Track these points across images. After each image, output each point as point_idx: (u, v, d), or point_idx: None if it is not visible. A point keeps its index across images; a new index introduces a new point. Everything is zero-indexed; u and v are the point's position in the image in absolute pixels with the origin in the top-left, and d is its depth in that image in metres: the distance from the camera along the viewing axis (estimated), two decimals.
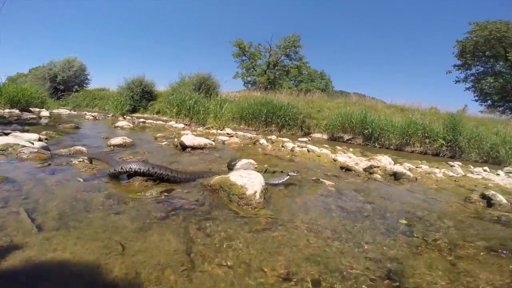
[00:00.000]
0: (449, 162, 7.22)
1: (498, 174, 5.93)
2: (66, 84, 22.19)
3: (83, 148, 3.32)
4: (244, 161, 2.80)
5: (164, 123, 9.31)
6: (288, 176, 2.44)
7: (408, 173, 3.41)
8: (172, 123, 8.79)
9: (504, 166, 9.85)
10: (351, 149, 7.19)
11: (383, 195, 2.56)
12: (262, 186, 1.82)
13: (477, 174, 4.61)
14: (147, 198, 1.78)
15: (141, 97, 17.74)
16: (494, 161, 10.24)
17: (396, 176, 3.32)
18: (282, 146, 5.14)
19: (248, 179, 1.78)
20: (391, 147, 11.56)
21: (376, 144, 11.68)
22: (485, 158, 10.60)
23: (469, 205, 2.56)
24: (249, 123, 13.89)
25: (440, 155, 11.05)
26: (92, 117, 9.68)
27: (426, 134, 11.16)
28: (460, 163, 7.25)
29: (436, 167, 5.14)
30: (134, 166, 1.99)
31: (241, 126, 14.05)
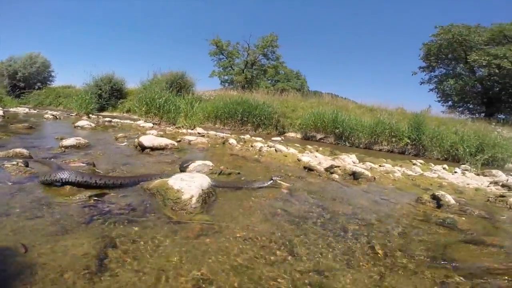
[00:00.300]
0: (412, 160, 7.58)
1: (456, 172, 6.22)
2: (27, 81, 20.67)
3: (24, 151, 3.04)
4: (198, 162, 2.71)
5: (132, 122, 8.92)
6: (272, 181, 2.56)
7: (367, 172, 3.47)
8: (141, 122, 8.44)
9: (462, 164, 10.57)
10: (321, 148, 7.32)
11: (336, 197, 2.56)
12: (202, 190, 1.75)
13: (434, 173, 4.80)
14: (74, 202, 1.66)
15: (110, 95, 16.93)
16: (454, 159, 10.91)
17: (355, 175, 3.36)
18: (251, 146, 5.09)
19: (186, 183, 1.70)
20: (361, 145, 11.95)
21: (347, 143, 12.03)
22: (445, 156, 11.28)
23: (420, 206, 2.57)
24: (225, 122, 13.75)
25: (406, 153, 11.59)
26: (52, 116, 9.05)
27: (392, 133, 11.66)
28: (422, 161, 7.61)
29: (400, 165, 5.30)
30: (64, 176, 1.83)
31: (217, 125, 13.87)
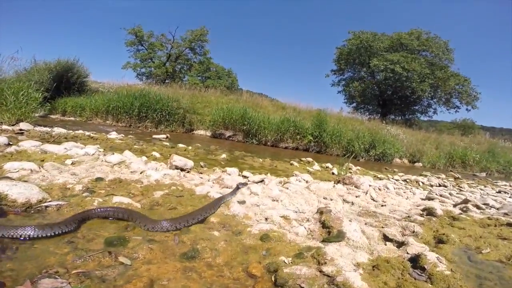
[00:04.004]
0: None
1: (333, 173, 5.85)
2: None
3: None
4: None
5: None
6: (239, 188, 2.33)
7: None
8: None
9: (357, 158, 11.17)
10: (191, 148, 6.28)
11: None
12: None
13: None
14: None
15: None
16: (351, 155, 11.40)
17: None
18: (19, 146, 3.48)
19: None
20: (268, 143, 11.65)
21: (254, 141, 11.55)
22: (344, 152, 11.76)
23: None
24: (118, 118, 11.81)
25: (310, 150, 11.75)
26: None
27: (297, 131, 11.66)
28: (311, 159, 7.39)
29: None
30: None
31: (108, 121, 11.83)
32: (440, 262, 1.41)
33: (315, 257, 1.40)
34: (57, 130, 5.25)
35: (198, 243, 1.49)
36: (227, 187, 2.50)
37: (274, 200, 2.27)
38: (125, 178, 2.46)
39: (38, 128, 5.14)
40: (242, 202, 2.15)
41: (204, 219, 1.80)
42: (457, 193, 5.18)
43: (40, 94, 6.54)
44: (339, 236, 1.65)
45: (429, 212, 2.63)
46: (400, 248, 1.66)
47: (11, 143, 3.58)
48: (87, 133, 5.50)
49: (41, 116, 10.31)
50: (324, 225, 1.82)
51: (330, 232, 1.73)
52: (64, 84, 13.20)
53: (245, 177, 3.25)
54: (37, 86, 7.36)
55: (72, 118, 11.92)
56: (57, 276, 1.03)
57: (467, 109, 23.98)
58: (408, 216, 2.41)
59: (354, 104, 25.94)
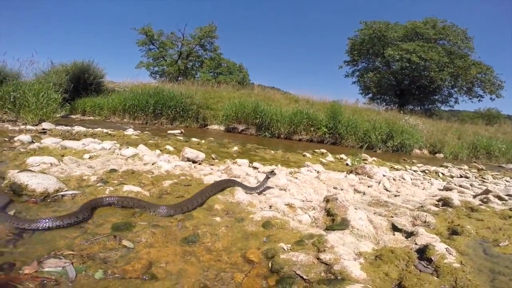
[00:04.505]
0: (315, 150, 7.17)
1: (347, 164, 5.63)
2: None
3: None
4: None
5: None
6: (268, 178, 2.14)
7: None
8: None
9: (375, 150, 10.89)
10: (203, 141, 6.32)
11: None
12: None
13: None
14: None
15: None
16: (368, 146, 11.13)
17: None
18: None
19: None
20: (281, 136, 11.58)
21: (267, 134, 11.52)
22: (360, 143, 11.48)
23: None
24: (135, 116, 12.13)
25: (324, 142, 11.56)
26: None
27: (311, 123, 11.49)
28: (324, 150, 7.30)
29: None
30: None
31: (125, 119, 12.17)
32: (450, 254, 1.31)
33: (316, 245, 1.36)
34: (77, 128, 5.48)
35: (200, 228, 1.50)
36: (235, 177, 2.48)
37: (281, 189, 2.24)
38: (138, 169, 2.51)
39: (59, 127, 5.38)
40: None
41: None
42: (479, 184, 4.91)
43: (59, 95, 6.79)
44: (343, 224, 1.59)
45: (445, 202, 2.51)
46: (409, 239, 1.58)
47: (34, 140, 3.75)
48: (105, 130, 5.70)
49: (62, 117, 10.74)
50: (328, 213, 1.77)
51: (334, 220, 1.66)
52: (81, 85, 13.65)
53: (255, 168, 3.23)
54: (56, 88, 7.74)
55: (91, 117, 12.35)
56: (61, 257, 1.08)
57: (491, 98, 22.76)
58: (422, 206, 2.32)
59: (370, 95, 25.24)
